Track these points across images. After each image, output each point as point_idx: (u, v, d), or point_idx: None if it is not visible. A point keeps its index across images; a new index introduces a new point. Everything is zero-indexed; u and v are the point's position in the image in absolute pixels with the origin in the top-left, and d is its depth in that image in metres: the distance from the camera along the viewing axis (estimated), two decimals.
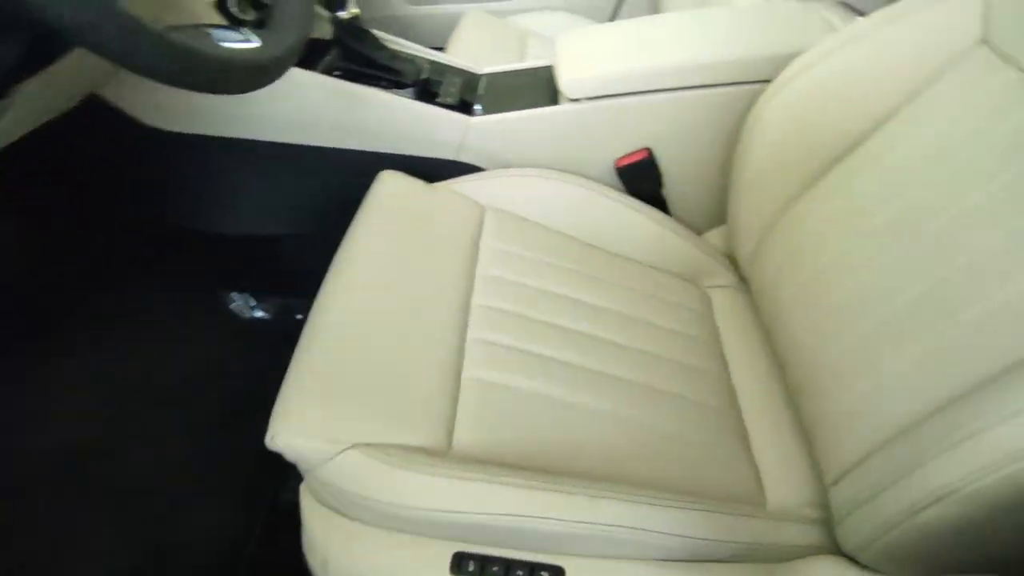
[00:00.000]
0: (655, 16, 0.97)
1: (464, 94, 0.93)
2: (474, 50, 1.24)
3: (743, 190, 0.84)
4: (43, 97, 0.66)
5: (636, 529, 0.51)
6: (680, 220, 0.93)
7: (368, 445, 0.53)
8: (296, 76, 0.83)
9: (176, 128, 0.87)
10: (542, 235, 0.83)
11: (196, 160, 0.91)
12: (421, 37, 1.12)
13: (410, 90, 0.91)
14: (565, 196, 0.86)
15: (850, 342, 0.62)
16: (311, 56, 0.86)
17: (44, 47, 0.53)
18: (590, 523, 0.50)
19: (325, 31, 0.88)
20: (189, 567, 0.76)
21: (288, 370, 0.57)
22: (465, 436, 0.57)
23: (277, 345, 0.66)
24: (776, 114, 0.78)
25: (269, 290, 1.01)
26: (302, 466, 0.54)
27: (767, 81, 0.81)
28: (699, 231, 0.96)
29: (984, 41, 0.65)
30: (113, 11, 0.39)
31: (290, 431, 0.52)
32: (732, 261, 0.92)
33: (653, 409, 0.66)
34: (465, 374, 0.62)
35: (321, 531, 0.54)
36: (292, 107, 0.86)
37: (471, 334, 0.66)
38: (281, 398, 0.54)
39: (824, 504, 0.62)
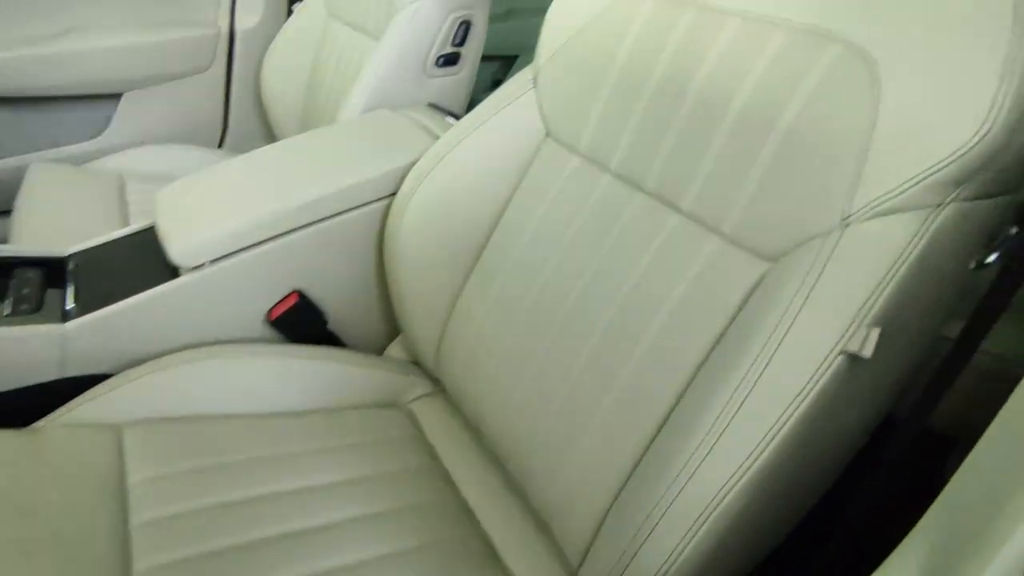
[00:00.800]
0: (258, 151, 0.91)
1: (47, 291, 0.74)
2: (51, 220, 1.02)
3: (405, 300, 0.84)
4: None
5: None
6: (357, 348, 0.89)
7: None
8: None
9: None
10: (203, 432, 0.70)
11: None
12: None
13: None
14: (215, 377, 0.75)
15: (548, 421, 0.65)
16: None
17: None
18: None
19: None
20: None
21: None
22: None
23: None
24: (410, 223, 0.80)
25: None
26: None
27: (393, 195, 0.82)
28: (380, 350, 0.93)
29: (548, 134, 0.75)
30: None
31: None
32: (421, 367, 0.91)
33: None
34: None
35: None
36: None
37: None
38: None
39: None
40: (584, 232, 0.67)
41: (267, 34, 1.40)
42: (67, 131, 1.32)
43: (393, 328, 0.95)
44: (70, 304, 0.73)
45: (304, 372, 0.80)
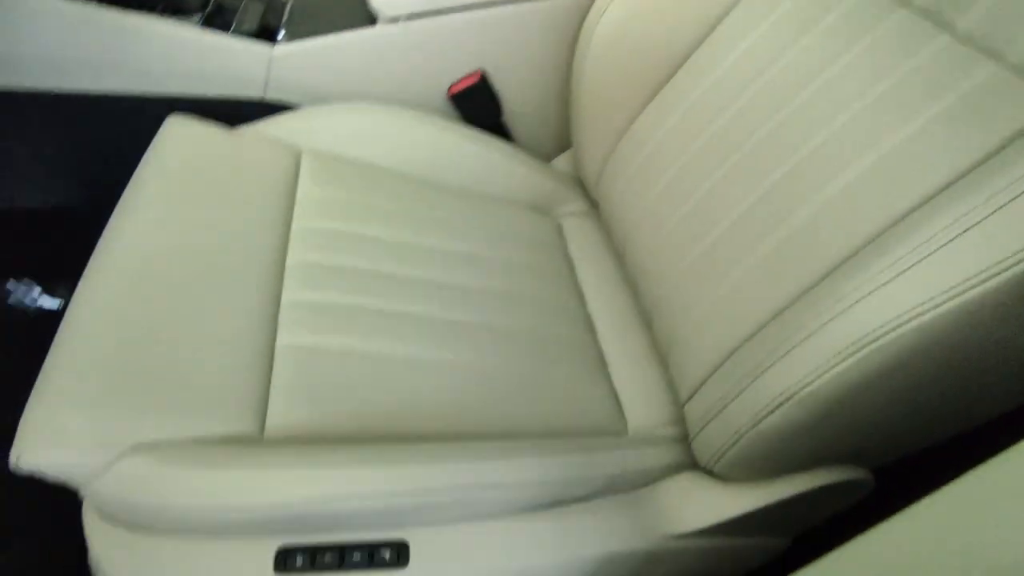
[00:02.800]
0: None
1: (265, 19, 0.80)
2: None
3: (583, 110, 0.80)
4: None
5: (484, 486, 0.46)
6: (525, 148, 0.88)
7: (152, 445, 0.43)
8: (44, 4, 0.66)
9: None
10: (369, 176, 0.74)
11: None
12: None
13: (196, 17, 0.76)
14: (393, 130, 0.77)
15: (694, 257, 0.60)
16: None
17: None
18: (429, 489, 0.44)
19: None
20: None
21: (41, 370, 0.45)
22: (280, 417, 0.48)
23: None
24: (607, 28, 0.73)
25: (56, 276, 0.85)
26: (74, 485, 0.44)
27: None
28: (546, 158, 0.91)
29: None
30: None
31: (40, 445, 0.41)
32: (582, 186, 0.88)
33: (501, 351, 0.61)
34: (280, 342, 0.53)
35: (109, 554, 0.44)
36: (47, 43, 0.69)
37: (286, 296, 0.57)
38: (29, 406, 0.43)
39: (682, 421, 0.61)
40: (805, 59, 0.56)
41: None
42: None
43: (562, 142, 0.92)
44: (281, 32, 0.78)
45: (470, 154, 0.81)
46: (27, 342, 0.54)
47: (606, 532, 0.51)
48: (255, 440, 0.46)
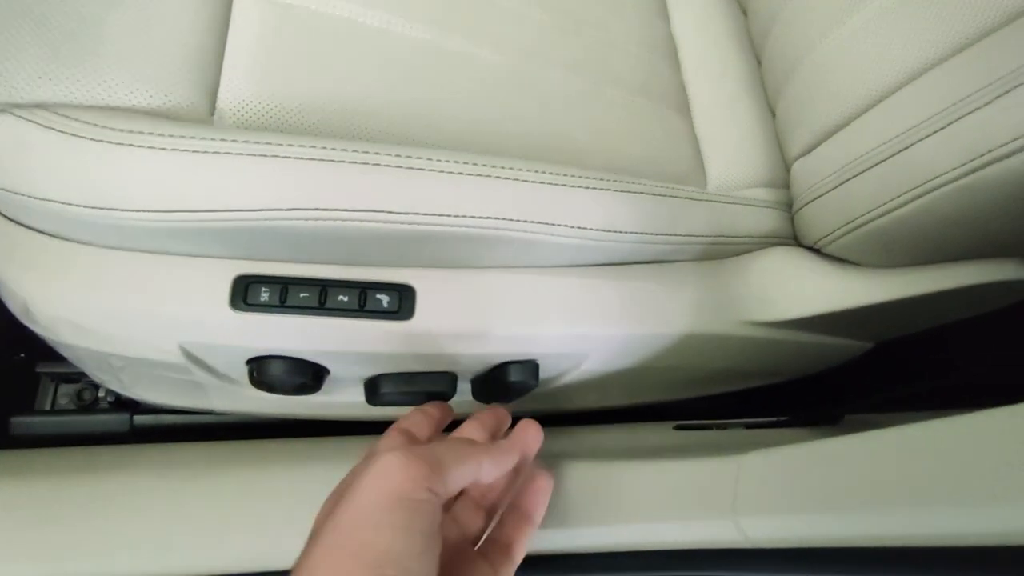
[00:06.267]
0: None
1: None
2: None
3: None
4: None
5: (526, 220, 0.32)
6: None
7: (41, 107, 0.28)
8: None
9: None
10: None
11: None
12: None
13: None
14: None
15: None
16: None
17: None
18: (450, 217, 0.30)
19: None
20: None
21: None
22: (238, 90, 0.33)
23: None
24: None
25: None
26: None
27: None
28: None
29: None
30: None
31: None
32: None
33: (555, 58, 0.43)
34: None
35: (7, 258, 0.32)
36: None
37: None
38: None
39: (781, 186, 0.46)
40: None
41: None
42: None
43: None
44: None
45: None
46: None
47: (678, 307, 0.39)
48: (201, 120, 0.31)
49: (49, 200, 0.28)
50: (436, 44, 0.38)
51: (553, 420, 0.41)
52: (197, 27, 0.33)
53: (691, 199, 0.40)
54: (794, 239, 0.43)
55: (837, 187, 0.38)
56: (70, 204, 0.28)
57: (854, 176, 0.36)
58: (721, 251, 0.41)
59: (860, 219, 0.36)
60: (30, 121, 0.28)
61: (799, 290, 0.39)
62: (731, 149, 0.47)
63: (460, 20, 0.40)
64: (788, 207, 0.44)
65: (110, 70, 0.30)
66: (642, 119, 0.45)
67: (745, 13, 0.55)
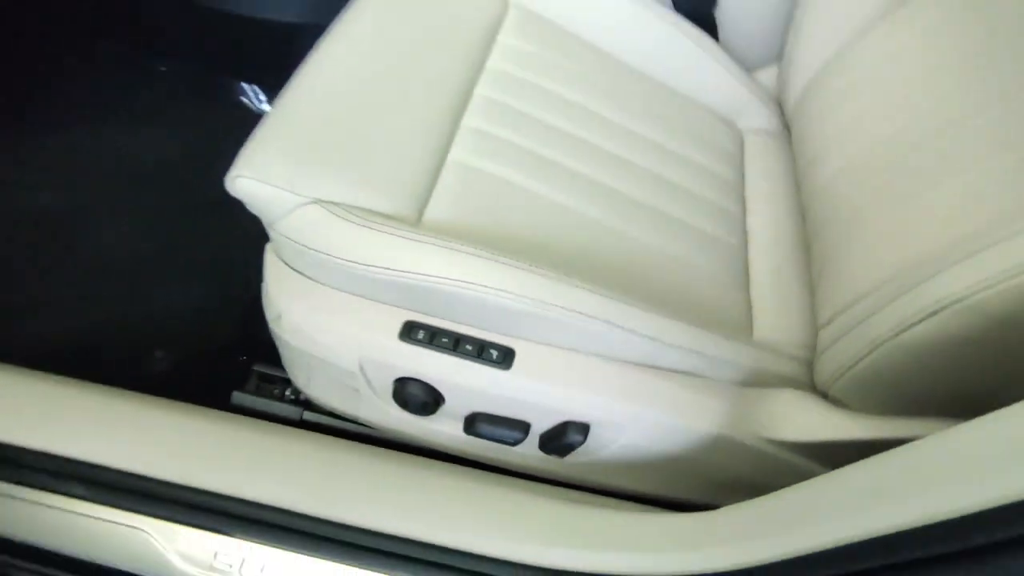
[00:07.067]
0: None
1: None
2: None
3: (805, 20, 0.74)
4: None
5: (599, 320, 0.48)
6: (730, 50, 0.83)
7: (331, 202, 0.50)
8: None
9: None
10: (570, 43, 0.75)
11: None
12: None
13: None
14: (606, 4, 0.77)
15: (887, 178, 0.55)
16: None
17: None
18: (550, 304, 0.47)
19: None
20: (149, 338, 0.78)
21: (263, 118, 0.54)
22: (438, 213, 0.53)
23: None
24: None
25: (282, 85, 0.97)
26: (264, 219, 0.52)
27: None
28: (748, 67, 0.85)
29: None
30: None
31: (252, 175, 0.49)
32: (778, 105, 0.82)
33: (651, 228, 0.61)
34: (451, 156, 0.58)
35: (277, 285, 0.53)
36: None
37: (466, 121, 0.61)
38: (249, 142, 0.51)
39: (810, 347, 0.58)
40: None
41: None
42: None
43: (770, 53, 0.86)
44: None
45: (675, 46, 0.78)
46: (247, 132, 0.63)
47: (704, 409, 0.51)
48: (413, 222, 0.52)
49: (322, 252, 0.49)
50: (568, 206, 0.58)
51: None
52: (421, 176, 0.55)
53: (739, 342, 0.54)
54: (810, 385, 0.55)
55: (852, 331, 0.50)
56: (331, 256, 0.49)
57: (868, 318, 0.48)
58: (748, 381, 0.54)
59: (866, 353, 0.47)
60: (329, 212, 0.49)
61: (805, 421, 0.51)
62: (776, 316, 0.61)
63: (588, 195, 0.60)
64: (810, 362, 0.56)
65: (369, 187, 0.52)
66: (707, 280, 0.61)
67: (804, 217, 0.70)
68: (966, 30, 0.56)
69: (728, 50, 0.82)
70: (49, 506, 0.48)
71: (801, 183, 0.71)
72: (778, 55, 0.83)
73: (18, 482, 0.47)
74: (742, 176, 0.75)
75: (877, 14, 0.67)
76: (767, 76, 0.85)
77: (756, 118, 0.81)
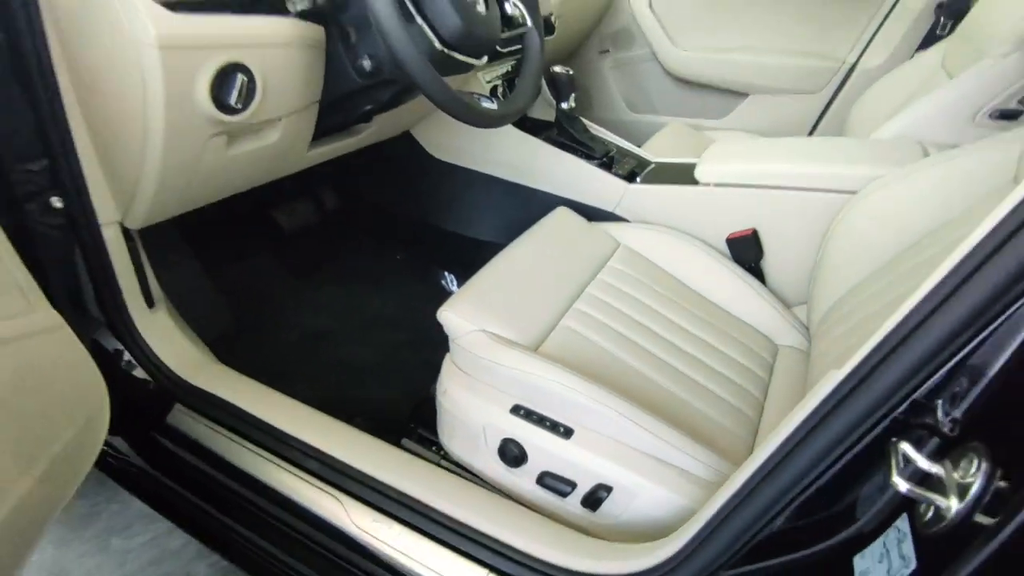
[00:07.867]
0: (792, 138, 1.26)
1: (633, 169, 1.31)
2: (663, 148, 1.62)
3: (821, 271, 1.08)
4: (385, 125, 1.20)
5: (639, 427, 0.79)
6: (773, 291, 1.18)
7: (490, 332, 0.90)
8: (521, 136, 1.29)
9: (445, 158, 1.39)
10: (655, 271, 1.15)
11: (451, 181, 1.42)
12: (633, 136, 1.50)
13: (596, 161, 1.31)
14: (684, 252, 1.17)
15: None
16: (536, 128, 1.32)
17: (398, 97, 1.04)
18: (606, 406, 0.80)
19: (549, 115, 1.34)
20: (357, 409, 1.19)
21: (468, 281, 0.98)
22: (549, 350, 0.91)
23: None
24: (856, 218, 1.02)
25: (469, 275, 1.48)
26: (451, 336, 0.93)
27: (852, 192, 1.05)
28: (788, 304, 1.18)
29: (1015, 180, 0.85)
30: (444, 87, 0.85)
31: (451, 311, 0.91)
32: (807, 330, 1.13)
33: (685, 389, 0.93)
34: (562, 322, 0.96)
35: (448, 375, 0.91)
36: (514, 155, 1.33)
37: (577, 304, 1.01)
38: (455, 294, 0.95)
39: None
40: None
41: (880, 73, 1.66)
42: (701, 109, 1.94)
43: (804, 294, 1.19)
44: (638, 178, 1.27)
45: (731, 283, 1.15)
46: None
47: (678, 486, 0.78)
48: (532, 349, 0.89)
49: (483, 358, 0.87)
50: (629, 363, 0.93)
51: None
52: (544, 328, 0.94)
53: (722, 458, 0.81)
54: None
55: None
56: (485, 358, 0.87)
57: None
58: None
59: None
60: (488, 336, 0.89)
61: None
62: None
63: (652, 365, 0.94)
64: None
65: (512, 329, 0.92)
66: (719, 421, 0.90)
67: None
68: None
69: (772, 291, 1.17)
70: (294, 474, 0.86)
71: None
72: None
73: (290, 460, 0.87)
74: (771, 374, 1.05)
75: (868, 275, 0.99)
76: (803, 311, 1.17)
77: (789, 338, 1.12)
